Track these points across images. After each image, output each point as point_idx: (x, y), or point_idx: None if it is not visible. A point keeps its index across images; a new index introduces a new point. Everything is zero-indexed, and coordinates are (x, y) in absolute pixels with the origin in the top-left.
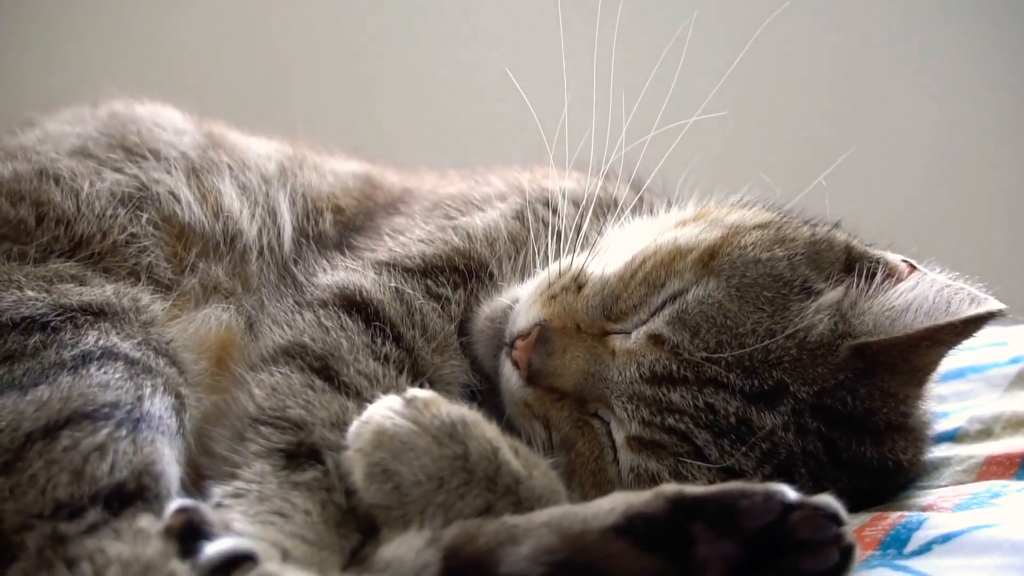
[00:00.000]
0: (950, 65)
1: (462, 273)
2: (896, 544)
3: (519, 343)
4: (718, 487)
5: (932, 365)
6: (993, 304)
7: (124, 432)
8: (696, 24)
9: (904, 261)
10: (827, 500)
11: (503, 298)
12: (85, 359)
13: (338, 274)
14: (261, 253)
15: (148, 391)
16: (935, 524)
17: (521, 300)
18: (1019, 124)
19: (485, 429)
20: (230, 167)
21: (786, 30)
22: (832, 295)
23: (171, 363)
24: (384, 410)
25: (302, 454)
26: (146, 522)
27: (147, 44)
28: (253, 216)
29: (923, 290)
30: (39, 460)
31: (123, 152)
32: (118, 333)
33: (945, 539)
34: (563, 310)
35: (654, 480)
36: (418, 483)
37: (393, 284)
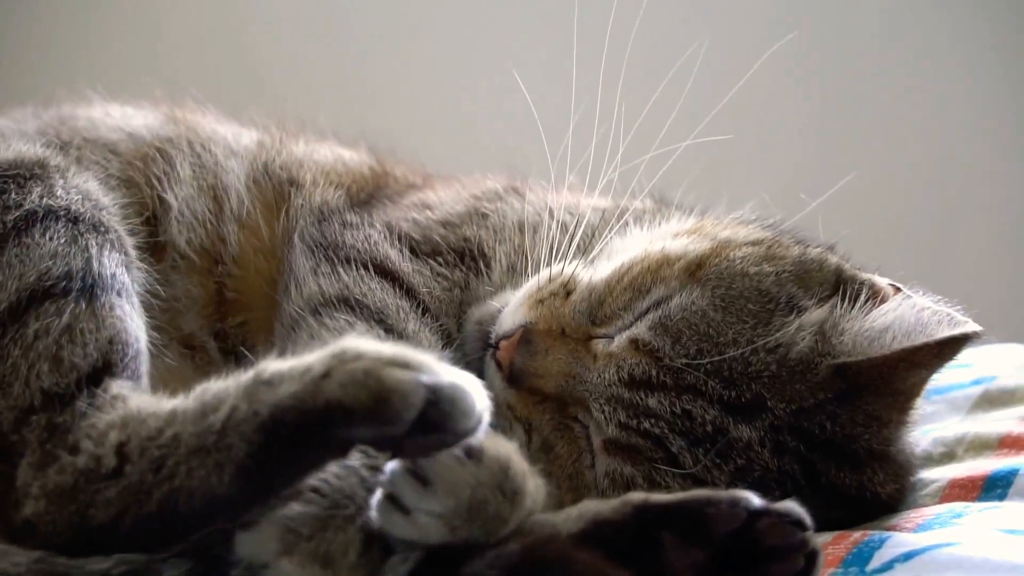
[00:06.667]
0: (955, 93)
1: (469, 262)
2: (858, 562)
3: (503, 344)
4: (684, 494)
5: (915, 389)
6: (971, 326)
7: (83, 305)
8: (707, 48)
9: (890, 284)
10: (791, 506)
11: (494, 302)
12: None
13: (370, 240)
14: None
15: (95, 250)
16: (898, 543)
17: (510, 304)
18: (1019, 153)
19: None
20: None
21: (793, 58)
22: (817, 314)
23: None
24: (468, 476)
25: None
26: (117, 387)
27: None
28: None
29: (903, 312)
30: (16, 348)
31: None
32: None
33: (907, 557)
34: (550, 314)
35: (628, 485)
36: None
37: (415, 266)
